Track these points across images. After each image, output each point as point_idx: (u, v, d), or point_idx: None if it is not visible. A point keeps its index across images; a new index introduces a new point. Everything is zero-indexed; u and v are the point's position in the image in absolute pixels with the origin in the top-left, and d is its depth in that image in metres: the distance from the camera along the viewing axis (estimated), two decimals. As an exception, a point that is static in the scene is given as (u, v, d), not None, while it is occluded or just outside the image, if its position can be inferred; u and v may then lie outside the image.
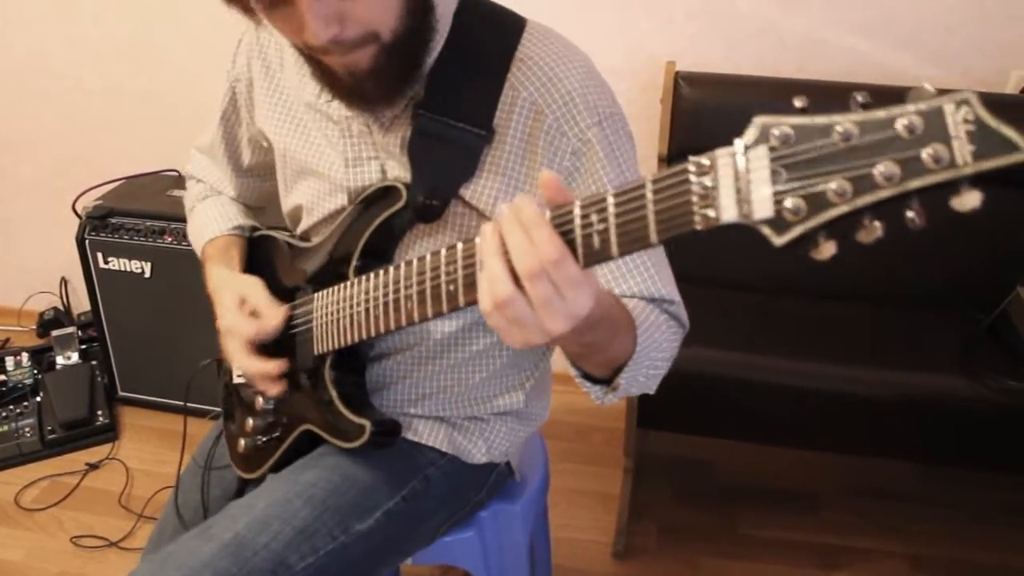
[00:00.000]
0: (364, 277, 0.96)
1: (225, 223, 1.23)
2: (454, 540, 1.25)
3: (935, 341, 1.79)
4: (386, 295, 0.91)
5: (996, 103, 1.71)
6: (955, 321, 1.85)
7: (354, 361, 1.08)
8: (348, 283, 0.99)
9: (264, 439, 1.14)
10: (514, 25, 1.01)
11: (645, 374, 0.93)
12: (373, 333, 0.95)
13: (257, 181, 1.29)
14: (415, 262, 0.86)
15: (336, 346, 1.01)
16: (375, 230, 1.01)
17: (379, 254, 1.03)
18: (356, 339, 0.98)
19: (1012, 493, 2.06)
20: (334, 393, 1.04)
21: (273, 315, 1.06)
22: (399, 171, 1.03)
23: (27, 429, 2.24)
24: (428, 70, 0.98)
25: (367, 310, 0.95)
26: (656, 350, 0.94)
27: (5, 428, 2.24)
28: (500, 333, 0.72)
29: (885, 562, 1.91)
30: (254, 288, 1.09)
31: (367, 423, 1.02)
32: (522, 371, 1.17)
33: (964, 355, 1.71)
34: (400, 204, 0.99)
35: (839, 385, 1.70)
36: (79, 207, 2.23)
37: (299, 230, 1.17)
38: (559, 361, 0.95)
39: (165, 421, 2.33)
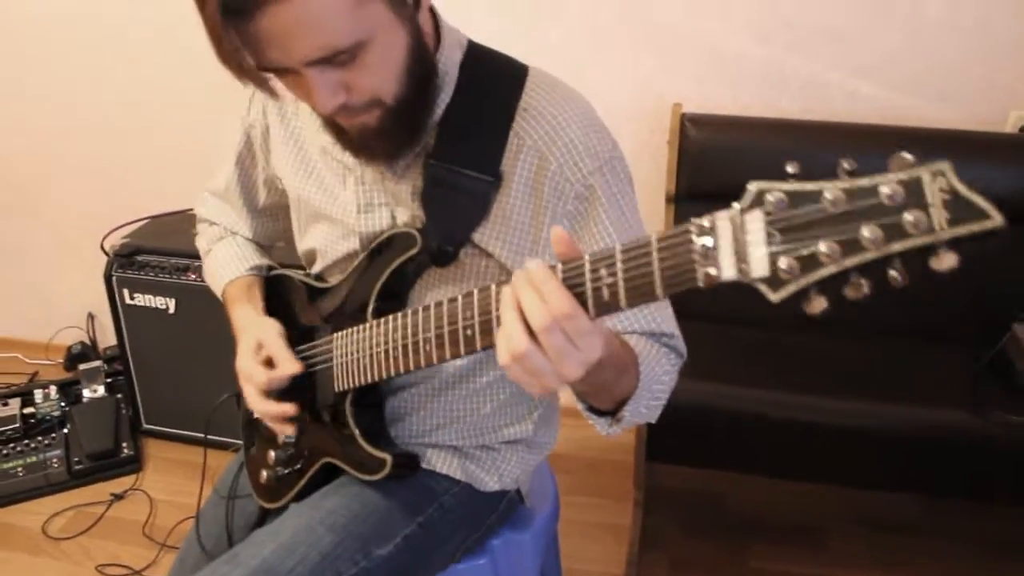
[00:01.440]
0: (384, 320, 1.01)
1: (243, 264, 1.29)
2: (468, 567, 1.30)
3: (938, 376, 1.83)
4: (405, 338, 0.97)
5: (995, 142, 1.76)
6: (956, 357, 1.88)
7: (373, 397, 1.13)
8: (368, 324, 1.04)
9: (286, 471, 1.19)
10: (517, 74, 1.06)
11: (647, 405, 0.98)
12: (393, 373, 1.00)
13: (271, 221, 1.35)
14: (433, 307, 0.91)
15: (357, 384, 1.06)
16: (391, 274, 1.06)
17: (395, 296, 1.08)
18: (377, 378, 1.03)
19: (1018, 525, 2.08)
20: (355, 429, 1.09)
21: (286, 367, 1.11)
22: (408, 217, 1.09)
23: (55, 460, 2.31)
24: (437, 121, 1.04)
25: (387, 351, 1.00)
26: (657, 382, 1.00)
27: (33, 459, 2.30)
28: (521, 384, 0.77)
29: (894, 596, 1.94)
30: (272, 335, 1.14)
31: (388, 457, 1.07)
32: (529, 402, 1.22)
33: (966, 390, 1.75)
34: (415, 250, 1.04)
35: (845, 419, 1.73)
36: (107, 245, 2.31)
37: (314, 271, 1.23)
38: (569, 396, 1.01)
39: (187, 453, 2.38)
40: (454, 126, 1.04)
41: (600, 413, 0.97)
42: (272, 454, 1.21)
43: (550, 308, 0.72)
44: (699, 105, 2.06)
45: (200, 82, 2.42)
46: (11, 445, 2.35)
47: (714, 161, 2.00)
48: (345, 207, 1.13)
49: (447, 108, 1.04)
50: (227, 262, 1.31)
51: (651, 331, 1.05)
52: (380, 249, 1.09)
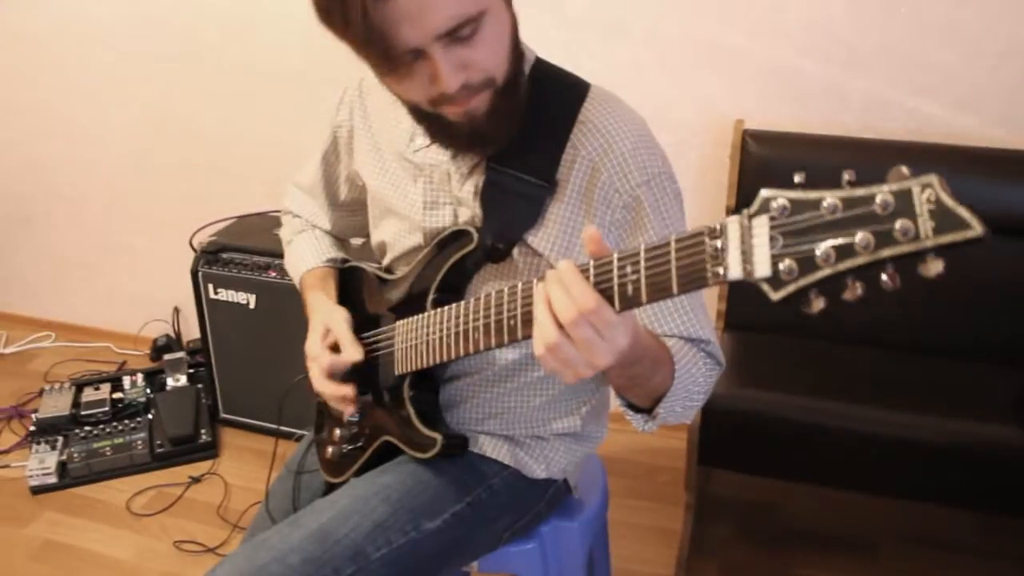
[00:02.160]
0: (440, 309, 1.10)
1: (321, 256, 1.40)
2: (517, 550, 1.37)
3: (989, 393, 1.84)
4: (458, 325, 1.05)
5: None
6: (1008, 374, 1.89)
7: (430, 382, 1.22)
8: (427, 314, 1.13)
9: (349, 447, 1.29)
10: (579, 90, 1.14)
11: (682, 405, 1.05)
12: (446, 358, 1.09)
13: (349, 216, 1.45)
14: (482, 298, 1.00)
15: (415, 368, 1.15)
16: (450, 268, 1.15)
17: (453, 289, 1.17)
18: (432, 362, 1.12)
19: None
20: (412, 410, 1.18)
21: (349, 353, 1.20)
22: (469, 216, 1.17)
23: (139, 442, 2.46)
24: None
25: (441, 338, 1.09)
26: (693, 383, 1.06)
27: (120, 440, 2.46)
28: (555, 373, 0.86)
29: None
30: (339, 322, 1.23)
31: (439, 437, 1.15)
32: (579, 397, 1.29)
33: (1017, 406, 1.75)
34: (472, 246, 1.13)
35: (897, 431, 1.75)
36: (195, 242, 2.46)
37: (384, 263, 1.33)
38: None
39: (260, 442, 2.51)
40: (517, 133, 1.11)
41: (638, 410, 1.05)
42: (338, 432, 1.31)
43: (576, 303, 0.81)
44: (761, 122, 2.11)
45: (283, 93, 2.57)
46: (101, 427, 2.51)
47: (774, 176, 2.00)
48: (413, 204, 1.22)
49: None
50: (306, 253, 1.41)
51: (688, 336, 1.11)
52: (442, 244, 1.17)
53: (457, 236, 1.15)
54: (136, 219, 2.95)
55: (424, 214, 1.21)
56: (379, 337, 1.24)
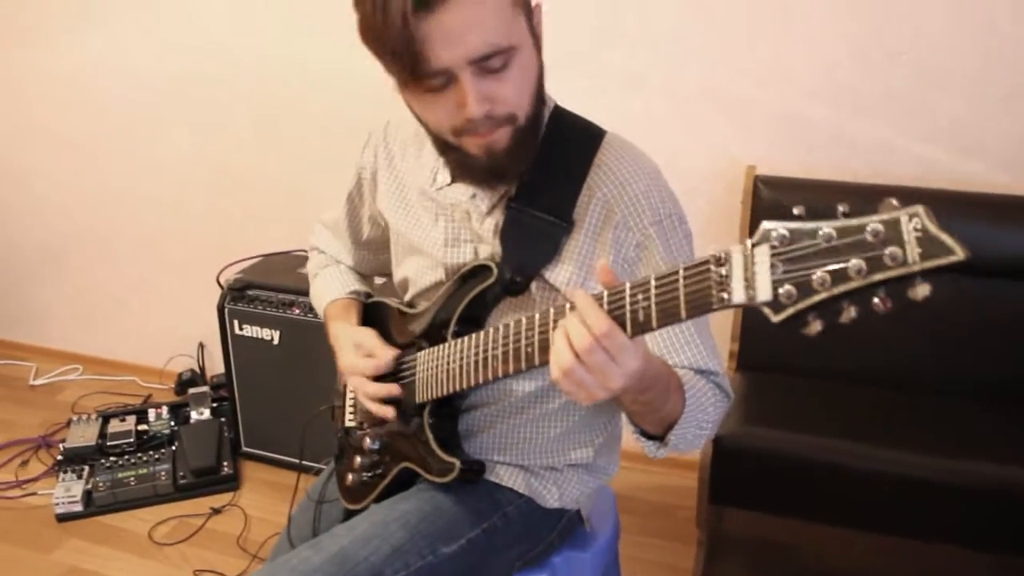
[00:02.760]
0: (461, 339, 1.16)
1: (344, 288, 1.47)
2: (529, 579, 1.41)
3: (1004, 433, 1.86)
4: (476, 354, 1.11)
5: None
6: (1020, 414, 1.91)
7: (449, 409, 1.27)
8: (448, 344, 1.19)
9: (369, 475, 1.34)
10: (595, 136, 1.21)
11: (693, 433, 1.10)
12: (466, 386, 1.14)
13: (371, 254, 1.51)
14: (500, 327, 1.06)
15: (435, 396, 1.20)
16: (471, 301, 1.21)
17: (473, 321, 1.22)
18: (452, 390, 1.17)
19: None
20: (431, 436, 1.23)
21: (385, 354, 1.27)
22: (489, 253, 1.23)
23: (163, 473, 2.52)
24: (522, 169, 1.17)
25: (461, 366, 1.15)
26: (702, 412, 1.11)
27: (144, 471, 2.52)
28: (570, 395, 0.92)
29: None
30: (368, 335, 1.30)
31: (457, 462, 1.20)
32: (592, 430, 1.33)
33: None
34: (491, 280, 1.18)
35: (914, 471, 1.77)
36: (222, 279, 2.53)
37: (406, 298, 1.39)
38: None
39: (280, 476, 2.56)
40: (536, 175, 1.18)
41: (650, 437, 1.10)
42: (358, 459, 1.36)
43: (590, 329, 0.87)
44: (772, 167, 2.17)
45: (308, 140, 2.67)
46: (126, 457, 2.58)
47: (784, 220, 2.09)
48: (435, 242, 1.28)
49: (533, 158, 1.18)
50: (331, 285, 1.48)
51: (698, 367, 1.16)
52: (463, 279, 1.23)
53: (478, 271, 1.21)
54: (165, 257, 3.05)
55: (446, 251, 1.27)
56: (402, 367, 1.29)
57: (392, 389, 1.26)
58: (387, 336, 1.35)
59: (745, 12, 2.14)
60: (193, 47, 2.73)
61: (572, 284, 1.18)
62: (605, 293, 0.89)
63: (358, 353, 1.30)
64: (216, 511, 2.44)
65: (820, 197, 2.09)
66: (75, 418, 2.77)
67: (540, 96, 1.13)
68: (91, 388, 3.13)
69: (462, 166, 1.16)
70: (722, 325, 2.15)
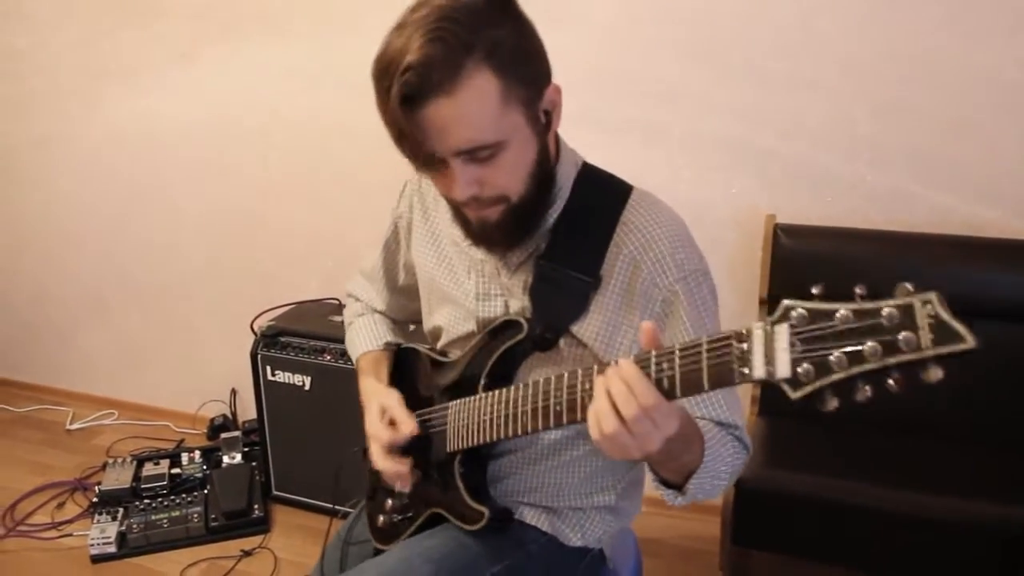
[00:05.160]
0: (492, 393, 1.20)
1: (377, 340, 1.51)
2: (553, 621, 1.44)
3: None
4: (507, 409, 1.16)
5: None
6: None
7: (479, 458, 1.31)
8: (479, 396, 1.23)
9: (400, 517, 1.38)
10: (622, 192, 1.25)
11: (711, 483, 1.13)
12: (496, 438, 1.18)
13: (406, 300, 1.56)
14: (531, 384, 1.11)
15: (466, 446, 1.24)
16: (500, 355, 1.25)
17: (503, 375, 1.26)
18: (483, 441, 1.21)
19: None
20: (461, 485, 1.27)
21: (406, 427, 1.30)
22: (519, 308, 1.27)
23: (195, 515, 2.57)
24: (550, 227, 1.23)
25: (492, 419, 1.19)
26: (720, 463, 1.14)
27: (177, 513, 2.57)
28: (605, 453, 0.96)
29: None
30: (394, 402, 1.33)
31: (486, 511, 1.23)
32: (615, 474, 1.37)
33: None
34: (521, 335, 1.22)
35: (937, 515, 1.79)
36: (255, 326, 2.60)
37: (439, 346, 1.44)
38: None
39: (311, 520, 2.60)
40: (564, 232, 1.23)
41: (669, 486, 1.13)
42: (389, 502, 1.40)
43: (639, 401, 0.91)
44: (791, 215, 2.22)
45: (341, 192, 2.76)
46: (159, 499, 2.64)
47: (804, 267, 2.14)
48: (467, 294, 1.33)
49: (559, 216, 1.23)
50: (364, 336, 1.53)
51: (719, 420, 1.20)
52: (494, 333, 1.27)
53: (508, 325, 1.25)
54: (200, 304, 3.13)
55: (477, 304, 1.32)
56: (432, 415, 1.33)
57: (403, 470, 1.30)
58: (418, 383, 1.39)
59: (765, 66, 2.21)
60: (230, 106, 2.84)
61: (600, 339, 1.22)
62: (632, 358, 0.94)
63: (382, 419, 1.34)
64: (247, 553, 2.48)
65: (839, 245, 2.14)
66: (110, 461, 2.84)
67: (543, 174, 1.18)
68: (126, 433, 3.21)
69: (461, 226, 1.23)
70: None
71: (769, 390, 2.18)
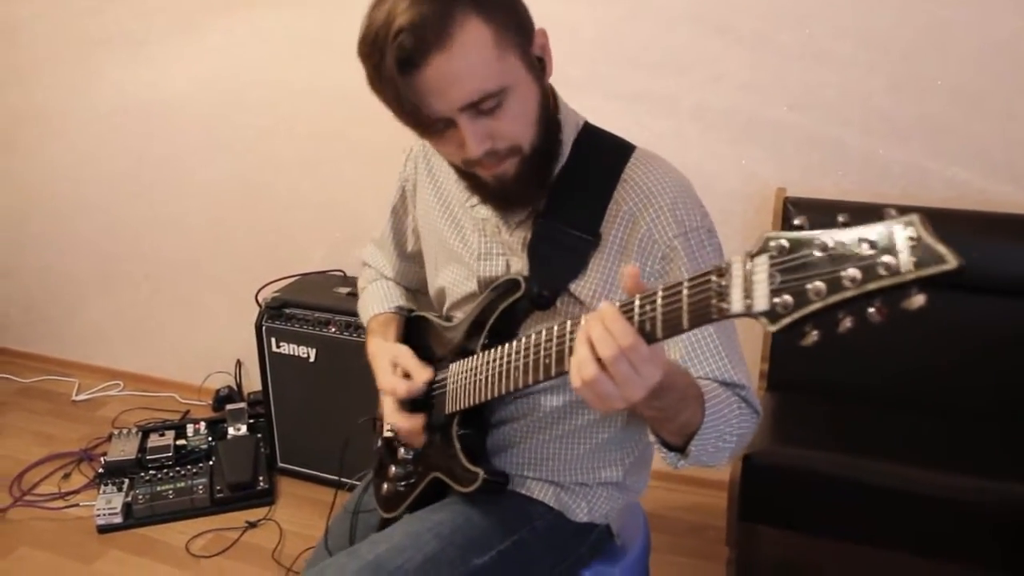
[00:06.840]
0: (487, 351, 1.19)
1: (389, 303, 1.51)
2: (559, 594, 1.42)
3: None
4: (501, 365, 1.14)
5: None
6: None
7: (477, 421, 1.29)
8: (476, 356, 1.22)
9: (403, 484, 1.37)
10: (623, 151, 1.23)
11: (714, 445, 1.09)
12: (490, 396, 1.17)
13: (415, 267, 1.55)
14: (522, 339, 1.09)
15: (463, 406, 1.23)
16: (499, 315, 1.24)
17: (503, 334, 1.24)
18: (477, 401, 1.20)
19: None
20: (458, 446, 1.26)
21: (420, 375, 1.29)
22: (520, 267, 1.26)
23: (200, 487, 2.57)
24: (550, 184, 1.21)
25: (486, 377, 1.18)
26: (725, 424, 1.10)
27: (182, 484, 2.58)
28: (588, 403, 0.93)
29: None
30: (404, 353, 1.33)
31: (480, 471, 1.22)
32: (622, 449, 1.35)
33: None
34: (519, 294, 1.21)
35: (946, 492, 1.76)
36: (260, 298, 2.59)
37: (444, 311, 1.42)
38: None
39: (315, 491, 2.60)
40: (563, 190, 1.21)
41: (671, 448, 1.10)
42: (393, 469, 1.39)
43: (616, 340, 0.88)
44: (802, 190, 2.19)
45: (346, 163, 2.74)
46: (164, 471, 2.64)
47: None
48: (472, 252, 1.32)
49: (559, 174, 1.21)
50: (375, 299, 1.52)
51: (722, 379, 1.16)
52: (494, 292, 1.26)
53: (507, 285, 1.24)
54: (206, 277, 3.12)
55: (479, 263, 1.31)
56: (438, 380, 1.32)
57: (417, 423, 1.29)
58: (428, 350, 1.38)
59: (777, 36, 2.17)
60: (236, 75, 2.82)
61: (598, 297, 1.20)
62: (617, 303, 0.91)
63: (395, 372, 1.33)
64: (252, 525, 2.49)
65: (852, 218, 2.10)
66: (116, 432, 2.83)
67: (548, 120, 1.16)
68: (131, 404, 3.21)
69: (479, 191, 1.21)
70: (753, 345, 2.17)
71: (779, 363, 2.18)
